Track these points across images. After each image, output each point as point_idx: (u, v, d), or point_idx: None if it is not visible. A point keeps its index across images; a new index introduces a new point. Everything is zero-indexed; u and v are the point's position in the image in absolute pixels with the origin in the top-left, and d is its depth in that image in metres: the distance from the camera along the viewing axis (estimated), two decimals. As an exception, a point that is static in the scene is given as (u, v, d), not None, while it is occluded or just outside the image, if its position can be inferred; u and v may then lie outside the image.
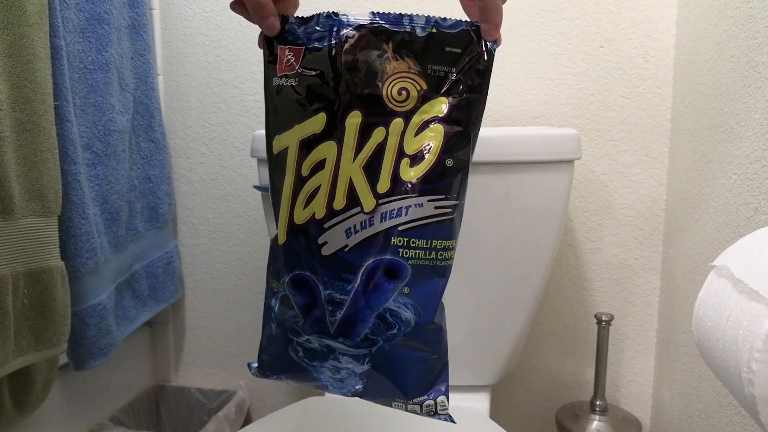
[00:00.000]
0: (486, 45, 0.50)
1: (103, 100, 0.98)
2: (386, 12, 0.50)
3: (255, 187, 0.93)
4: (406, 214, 0.50)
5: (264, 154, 0.94)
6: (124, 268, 1.07)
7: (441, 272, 0.51)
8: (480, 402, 0.93)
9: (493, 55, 0.50)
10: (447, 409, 0.54)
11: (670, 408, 1.02)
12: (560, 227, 0.89)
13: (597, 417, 1.00)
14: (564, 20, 1.06)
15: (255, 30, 1.19)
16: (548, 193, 0.87)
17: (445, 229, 0.50)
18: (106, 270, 0.99)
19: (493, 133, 0.85)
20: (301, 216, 0.51)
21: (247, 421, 1.25)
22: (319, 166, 0.51)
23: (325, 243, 0.51)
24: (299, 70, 0.52)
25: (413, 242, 0.50)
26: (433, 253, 0.50)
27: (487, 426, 0.81)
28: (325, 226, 0.51)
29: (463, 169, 0.50)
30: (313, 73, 0.52)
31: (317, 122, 0.51)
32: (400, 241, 0.50)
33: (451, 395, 0.95)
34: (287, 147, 0.52)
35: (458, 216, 0.51)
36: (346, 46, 0.51)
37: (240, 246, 1.26)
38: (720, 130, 0.82)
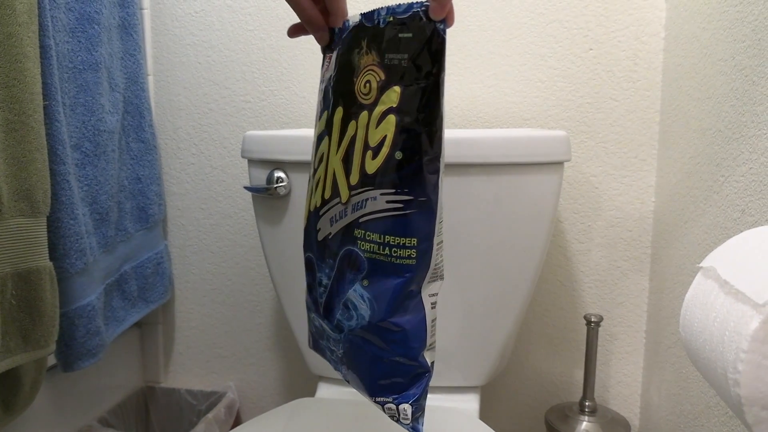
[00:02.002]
0: (435, 26, 0.47)
1: (93, 100, 0.98)
2: (371, 10, 0.51)
3: (246, 188, 0.93)
4: (365, 207, 0.50)
5: (254, 155, 0.94)
6: (114, 268, 1.07)
7: (397, 271, 0.49)
8: (469, 403, 0.93)
9: (443, 37, 0.47)
10: (409, 420, 0.52)
11: (658, 408, 1.02)
12: (550, 229, 0.89)
13: (586, 418, 1.01)
14: (554, 23, 1.07)
15: (246, 31, 1.19)
16: (538, 195, 0.87)
17: (398, 225, 0.48)
18: (95, 271, 0.98)
19: (483, 135, 0.85)
20: (311, 203, 0.57)
21: (237, 422, 1.25)
22: (321, 159, 0.55)
23: (319, 229, 0.55)
24: (326, 75, 0.57)
25: (368, 235, 0.50)
26: (387, 248, 0.49)
27: (476, 427, 0.81)
28: (320, 213, 0.55)
29: (414, 162, 0.48)
30: (329, 75, 0.56)
31: (323, 120, 0.56)
32: (359, 232, 0.51)
33: (440, 396, 0.95)
34: (313, 143, 0.58)
35: (418, 213, 0.48)
36: (342, 48, 0.54)
37: (230, 247, 1.26)
38: (708, 132, 0.83)
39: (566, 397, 1.16)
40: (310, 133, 0.91)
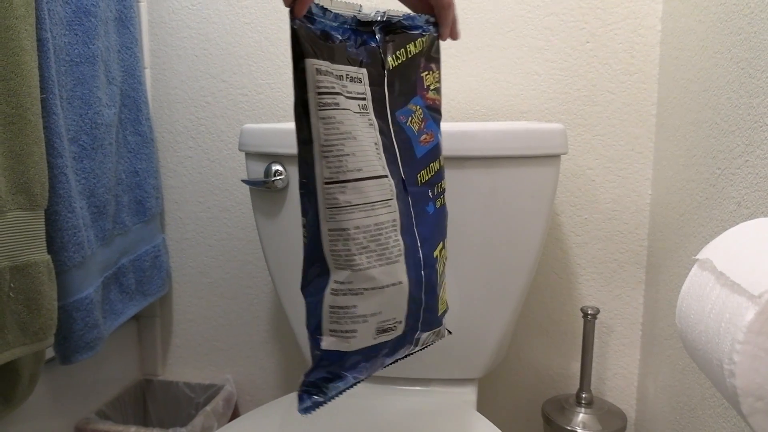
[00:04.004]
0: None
1: (90, 93, 0.98)
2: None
3: (243, 181, 0.93)
4: None
5: (251, 148, 0.94)
6: (111, 261, 1.07)
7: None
8: (467, 395, 0.93)
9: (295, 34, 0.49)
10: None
11: (654, 400, 1.03)
12: (547, 221, 0.90)
13: (583, 410, 1.01)
14: (551, 16, 1.07)
15: (243, 24, 1.18)
16: (535, 188, 0.87)
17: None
18: (93, 264, 0.98)
19: (480, 128, 0.85)
20: None
21: (235, 415, 1.25)
22: None
23: None
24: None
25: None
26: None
27: (474, 419, 0.81)
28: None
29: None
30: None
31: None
32: None
33: (438, 388, 0.95)
34: None
35: (304, 196, 0.52)
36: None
37: (228, 240, 1.26)
38: (704, 125, 0.83)
39: (563, 389, 1.17)
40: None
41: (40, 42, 0.84)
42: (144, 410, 1.29)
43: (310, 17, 0.50)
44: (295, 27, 0.49)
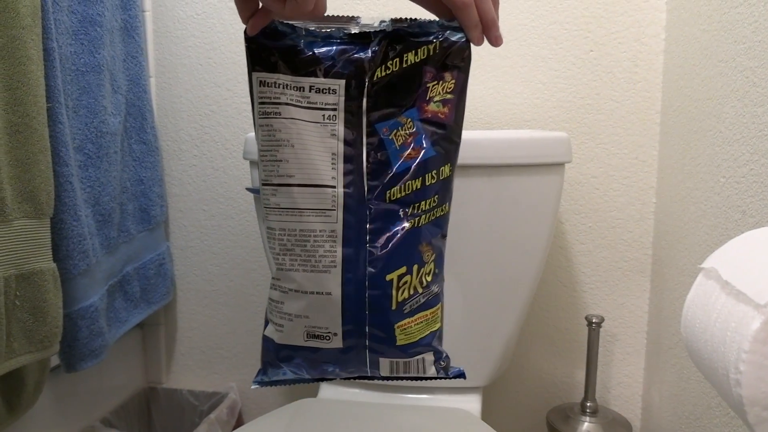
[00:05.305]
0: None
1: (96, 102, 0.98)
2: None
3: (247, 189, 0.93)
4: None
5: (256, 157, 0.94)
6: (116, 269, 1.07)
7: None
8: (471, 403, 0.93)
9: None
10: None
11: (659, 409, 1.02)
12: (551, 230, 0.90)
13: (587, 418, 1.01)
14: (554, 24, 1.07)
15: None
16: (539, 196, 0.87)
17: None
18: (98, 272, 0.98)
19: (484, 137, 0.85)
20: None
21: (239, 423, 1.25)
22: None
23: None
24: None
25: None
26: None
27: (478, 428, 0.81)
28: None
29: None
30: None
31: None
32: None
33: (442, 396, 0.95)
34: None
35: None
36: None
37: (232, 248, 1.26)
38: (709, 133, 0.83)
39: (567, 397, 1.16)
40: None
41: (47, 51, 0.84)
42: (148, 418, 1.29)
43: (274, 35, 0.53)
44: (246, 44, 0.54)
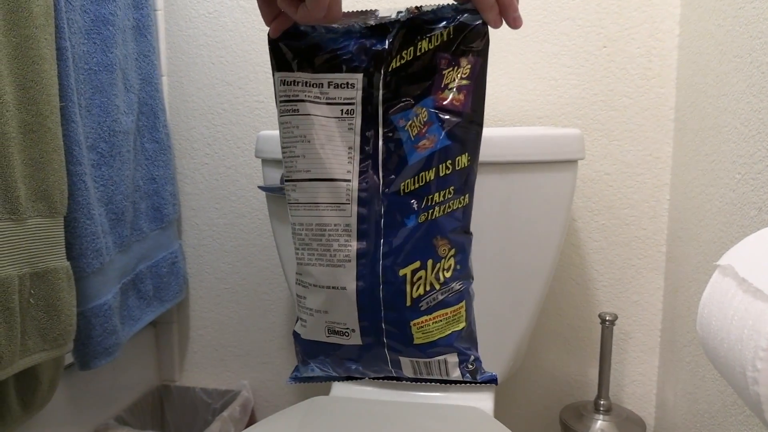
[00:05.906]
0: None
1: (108, 101, 0.99)
2: None
3: (260, 187, 0.93)
4: None
5: (268, 155, 0.94)
6: (129, 268, 1.08)
7: None
8: (484, 402, 0.93)
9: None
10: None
11: (674, 407, 1.02)
12: (564, 227, 0.89)
13: (601, 417, 1.00)
14: (567, 20, 1.06)
15: (259, 31, 1.19)
16: (552, 193, 0.87)
17: None
18: (111, 270, 0.99)
19: (497, 134, 0.85)
20: None
21: (252, 420, 1.26)
22: None
23: None
24: None
25: None
26: None
27: (491, 426, 0.81)
28: None
29: None
30: None
31: None
32: None
33: (455, 394, 0.95)
34: None
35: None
36: None
37: (244, 246, 1.26)
38: (724, 129, 0.82)
39: (581, 396, 1.16)
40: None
41: (60, 51, 0.84)
42: (161, 416, 1.30)
43: (296, 35, 0.55)
44: (269, 46, 0.56)
